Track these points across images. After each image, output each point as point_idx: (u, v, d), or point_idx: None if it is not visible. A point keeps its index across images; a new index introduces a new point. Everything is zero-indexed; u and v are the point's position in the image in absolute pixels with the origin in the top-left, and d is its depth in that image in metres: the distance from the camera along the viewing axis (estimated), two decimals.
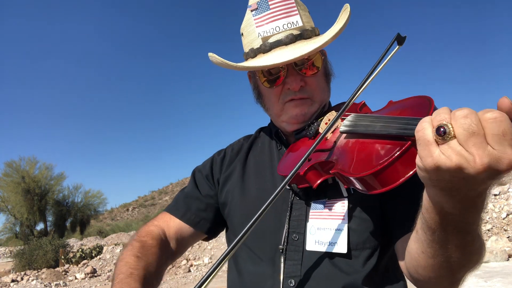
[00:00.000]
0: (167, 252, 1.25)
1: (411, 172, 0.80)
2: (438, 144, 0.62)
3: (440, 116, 0.63)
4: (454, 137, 0.61)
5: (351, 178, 0.90)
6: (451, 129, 0.61)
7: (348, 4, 1.22)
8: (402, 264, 1.03)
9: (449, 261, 0.81)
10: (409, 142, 0.79)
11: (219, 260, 0.86)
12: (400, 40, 1.06)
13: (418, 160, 0.66)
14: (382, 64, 1.02)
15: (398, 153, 0.80)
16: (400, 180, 0.81)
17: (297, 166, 0.91)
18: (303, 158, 0.93)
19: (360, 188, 0.91)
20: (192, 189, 1.37)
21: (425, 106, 0.87)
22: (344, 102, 1.19)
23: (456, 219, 0.72)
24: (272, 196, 0.89)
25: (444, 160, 0.61)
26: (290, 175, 0.91)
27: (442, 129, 0.61)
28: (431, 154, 0.63)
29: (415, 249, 0.88)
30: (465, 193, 0.66)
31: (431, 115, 0.66)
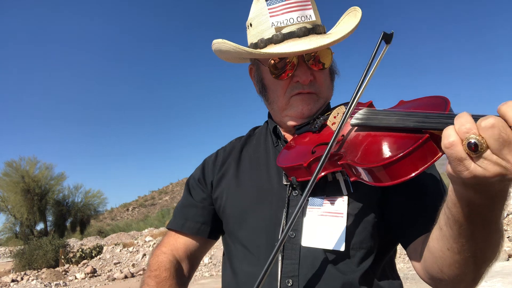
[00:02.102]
0: (182, 277, 1.27)
1: (424, 167, 0.79)
2: (471, 157, 0.62)
3: (465, 126, 0.62)
4: (487, 147, 0.60)
5: (362, 168, 0.88)
6: (482, 142, 0.60)
7: (357, 7, 1.22)
8: (419, 266, 1.01)
9: (475, 255, 0.81)
10: (427, 135, 0.78)
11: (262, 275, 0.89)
12: (387, 38, 1.01)
13: (452, 172, 0.66)
14: (373, 67, 0.98)
15: (415, 145, 0.78)
16: (413, 174, 0.80)
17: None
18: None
19: (369, 180, 0.89)
20: (186, 198, 1.37)
21: (441, 105, 0.85)
22: (347, 102, 1.19)
23: (484, 211, 0.72)
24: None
25: (481, 171, 0.61)
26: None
27: (473, 143, 0.60)
28: (467, 168, 0.62)
29: (439, 247, 0.86)
30: (497, 188, 0.66)
31: (447, 113, 0.65)
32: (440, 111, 0.81)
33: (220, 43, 1.23)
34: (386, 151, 0.84)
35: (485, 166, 0.61)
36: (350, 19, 1.23)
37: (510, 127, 0.59)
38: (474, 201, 0.70)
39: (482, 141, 0.60)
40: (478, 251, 0.80)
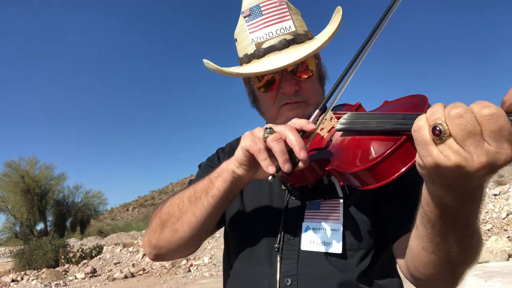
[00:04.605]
0: None
1: (406, 167, 0.81)
2: (436, 143, 0.63)
3: (435, 115, 0.63)
4: (450, 136, 0.61)
5: (347, 173, 0.90)
6: (446, 128, 0.61)
7: (340, 7, 1.22)
8: (402, 264, 1.03)
9: (449, 256, 0.82)
10: (404, 137, 0.80)
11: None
12: None
13: (418, 159, 0.67)
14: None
15: (393, 147, 0.80)
16: (396, 175, 0.82)
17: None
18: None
19: (356, 184, 0.91)
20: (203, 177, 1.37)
21: (419, 104, 0.88)
22: (344, 104, 1.20)
23: (455, 212, 0.72)
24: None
25: (442, 159, 0.62)
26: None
27: (437, 128, 0.62)
28: (430, 153, 0.63)
29: (415, 246, 0.88)
30: (464, 187, 0.67)
31: (425, 112, 0.66)
32: (418, 111, 0.83)
33: (206, 63, 1.27)
34: (368, 155, 0.87)
35: (447, 154, 0.61)
36: (336, 21, 1.23)
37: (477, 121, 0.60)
38: (444, 201, 0.71)
39: (446, 128, 0.61)
40: (453, 253, 0.81)
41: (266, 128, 0.92)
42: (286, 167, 0.87)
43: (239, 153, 0.98)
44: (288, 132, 0.90)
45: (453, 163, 0.61)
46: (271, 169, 0.89)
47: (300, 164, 0.88)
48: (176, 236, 1.12)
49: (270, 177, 0.90)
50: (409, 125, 0.77)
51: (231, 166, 1.01)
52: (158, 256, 1.20)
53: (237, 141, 1.44)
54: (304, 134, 0.92)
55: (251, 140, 0.94)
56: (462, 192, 0.68)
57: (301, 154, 0.87)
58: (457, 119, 0.60)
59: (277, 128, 0.92)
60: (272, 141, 0.89)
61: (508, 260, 8.83)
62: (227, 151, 1.42)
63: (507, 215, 10.66)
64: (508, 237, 9.99)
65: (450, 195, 0.69)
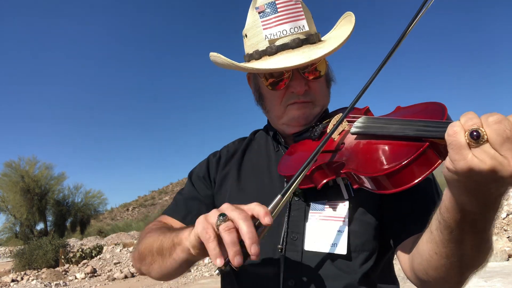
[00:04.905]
0: None
1: (425, 174, 0.81)
2: (470, 147, 0.64)
3: (472, 120, 0.66)
4: (487, 141, 0.63)
5: (365, 177, 0.89)
6: (484, 133, 0.63)
7: (351, 12, 1.23)
8: (407, 267, 1.03)
9: (462, 260, 0.83)
10: (427, 143, 0.80)
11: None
12: None
13: (448, 163, 0.68)
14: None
15: (416, 153, 0.80)
16: (415, 181, 0.82)
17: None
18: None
19: (372, 187, 0.90)
20: (190, 191, 1.36)
21: (438, 111, 0.87)
22: (346, 107, 1.19)
23: (475, 218, 0.74)
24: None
25: (477, 163, 0.63)
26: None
27: (475, 133, 0.63)
28: (464, 158, 0.64)
29: (428, 250, 0.88)
30: (490, 193, 0.68)
31: (445, 120, 0.67)
32: (437, 119, 0.83)
33: (215, 57, 1.25)
34: (389, 160, 0.86)
35: (482, 158, 0.63)
36: (345, 25, 1.23)
37: None
38: (466, 207, 0.72)
39: (484, 133, 0.63)
40: (465, 258, 0.82)
41: (220, 215, 0.83)
42: (236, 260, 0.77)
43: (191, 237, 0.91)
44: (241, 221, 0.80)
45: (489, 167, 0.63)
46: (219, 262, 0.79)
47: (252, 257, 0.79)
48: (151, 276, 1.17)
49: (216, 271, 0.82)
50: (432, 132, 0.78)
51: (187, 244, 0.94)
52: (144, 275, 1.26)
53: (233, 144, 1.43)
54: (260, 224, 0.82)
55: (203, 227, 0.85)
56: (486, 198, 0.69)
57: (251, 249, 0.77)
58: (495, 124, 0.63)
59: (231, 214, 0.82)
60: (223, 231, 0.80)
61: (508, 260, 8.83)
62: (223, 155, 1.39)
63: (507, 215, 10.66)
64: (508, 237, 9.99)
65: (474, 201, 0.70)
